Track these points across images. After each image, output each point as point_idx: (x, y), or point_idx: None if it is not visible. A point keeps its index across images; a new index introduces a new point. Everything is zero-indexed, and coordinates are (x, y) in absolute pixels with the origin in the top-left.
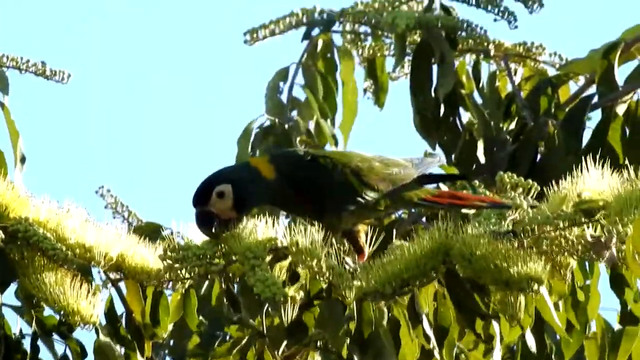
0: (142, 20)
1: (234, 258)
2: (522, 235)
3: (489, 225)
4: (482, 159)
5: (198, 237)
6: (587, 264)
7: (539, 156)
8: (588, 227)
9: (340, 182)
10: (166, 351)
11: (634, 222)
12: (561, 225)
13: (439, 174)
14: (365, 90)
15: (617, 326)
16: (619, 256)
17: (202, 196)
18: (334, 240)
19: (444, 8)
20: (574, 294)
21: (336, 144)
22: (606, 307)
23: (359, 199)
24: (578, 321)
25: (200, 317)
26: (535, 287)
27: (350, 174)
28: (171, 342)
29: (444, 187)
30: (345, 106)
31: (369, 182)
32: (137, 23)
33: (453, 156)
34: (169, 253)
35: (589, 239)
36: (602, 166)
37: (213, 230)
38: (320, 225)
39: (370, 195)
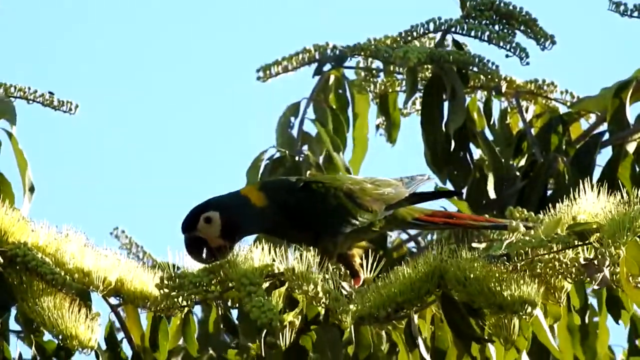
0: (155, 54)
1: (230, 285)
2: (516, 258)
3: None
4: (492, 195)
5: (195, 266)
6: (596, 300)
7: (548, 192)
8: (582, 250)
9: (333, 206)
10: None
11: (626, 244)
12: (555, 248)
13: (430, 192)
14: (377, 127)
15: None
16: (612, 279)
17: (190, 222)
18: (329, 265)
19: (456, 43)
20: (583, 330)
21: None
22: (613, 343)
23: (354, 221)
24: (586, 357)
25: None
26: (529, 310)
27: (344, 197)
28: None
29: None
30: (357, 140)
31: (363, 204)
32: (150, 57)
33: (464, 191)
34: (165, 281)
35: (582, 261)
36: (599, 190)
37: (203, 256)
38: (316, 251)
39: (365, 217)
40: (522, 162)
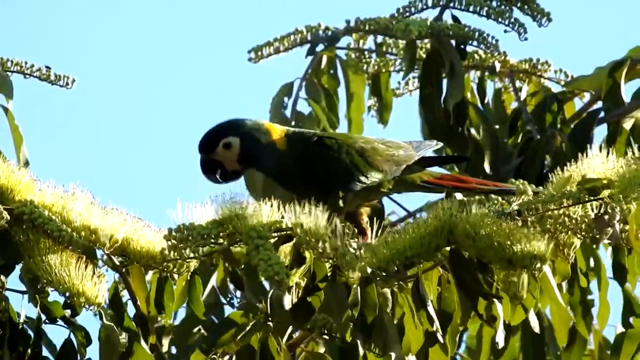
0: (148, 36)
1: (238, 238)
2: (526, 213)
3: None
4: (488, 171)
5: (202, 219)
6: (596, 278)
7: (544, 170)
8: (591, 207)
9: (345, 163)
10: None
11: (637, 200)
12: (565, 203)
13: (439, 156)
14: (369, 108)
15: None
16: (621, 235)
17: (208, 145)
18: (338, 222)
19: (454, 19)
20: (583, 304)
21: None
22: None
23: (364, 179)
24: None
25: None
26: (538, 264)
27: (356, 154)
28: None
29: None
30: (353, 121)
31: (374, 163)
32: (144, 37)
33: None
34: (173, 233)
35: (592, 217)
36: (608, 152)
37: (217, 177)
38: (324, 207)
39: (375, 176)
40: (517, 140)
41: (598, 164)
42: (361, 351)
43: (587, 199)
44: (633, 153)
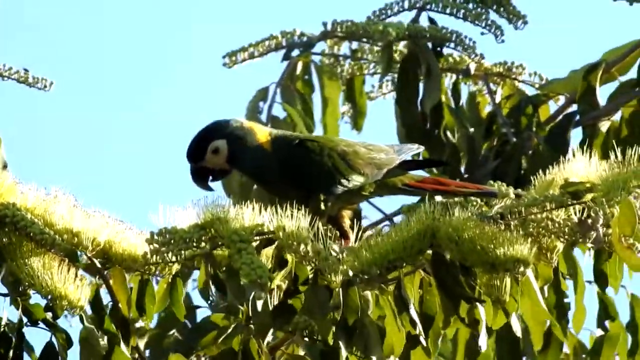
0: (125, 39)
1: (220, 242)
2: (509, 217)
3: (476, 208)
4: (465, 174)
5: (184, 222)
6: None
7: (521, 172)
8: (574, 210)
9: (327, 165)
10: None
11: (620, 203)
12: (548, 206)
13: (419, 160)
14: (343, 114)
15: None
16: (604, 239)
17: (197, 153)
18: (320, 225)
19: (431, 21)
20: (559, 307)
21: None
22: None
23: (346, 182)
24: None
25: None
26: (522, 268)
27: (338, 157)
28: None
29: None
30: (328, 126)
31: (355, 166)
32: (120, 42)
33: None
34: (155, 237)
35: (576, 220)
36: (590, 156)
37: (208, 184)
38: (306, 210)
39: (357, 179)
40: (493, 143)
41: (580, 167)
42: (343, 354)
43: (570, 203)
44: (616, 156)
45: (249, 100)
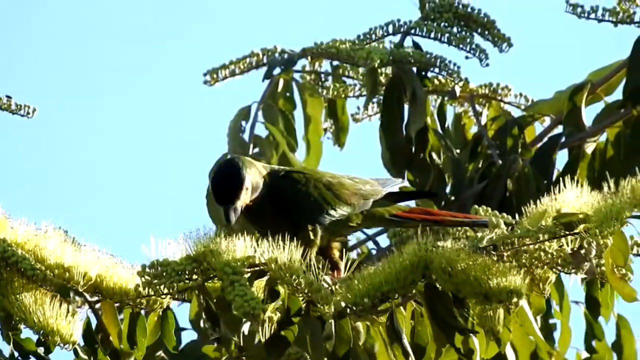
0: (106, 58)
1: (212, 274)
2: (502, 248)
3: (469, 240)
4: (451, 196)
5: (176, 255)
6: (557, 304)
7: (507, 194)
8: (567, 242)
9: (314, 196)
10: None
11: (613, 234)
12: (541, 238)
13: (407, 192)
14: (325, 130)
15: None
16: (597, 270)
17: (234, 196)
18: (312, 257)
19: (416, 45)
20: (545, 327)
21: None
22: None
23: (333, 212)
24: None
25: None
26: (515, 299)
27: (324, 188)
28: None
29: None
30: (312, 143)
31: (342, 197)
32: (100, 61)
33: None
34: (147, 269)
35: (569, 251)
36: (581, 186)
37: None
38: (298, 242)
39: (344, 209)
40: (479, 165)
41: (572, 197)
42: None
43: (563, 234)
44: (609, 187)
45: (230, 120)
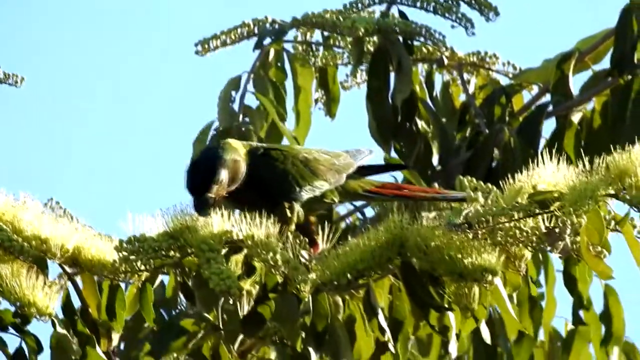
0: (97, 29)
1: (189, 251)
2: (477, 226)
3: (449, 218)
4: (437, 166)
5: (153, 230)
6: (542, 270)
7: (494, 163)
8: (542, 219)
9: (292, 173)
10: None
11: (588, 213)
12: (516, 216)
13: (378, 165)
14: (316, 101)
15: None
16: (572, 247)
17: (204, 186)
18: (289, 233)
19: (402, 14)
20: (531, 300)
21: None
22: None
23: (310, 188)
24: (533, 326)
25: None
26: (490, 278)
27: (301, 164)
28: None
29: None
30: (301, 114)
31: (318, 172)
32: (91, 31)
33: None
34: (124, 245)
35: (544, 230)
36: (558, 160)
37: (211, 213)
38: (274, 219)
39: (321, 185)
40: (466, 134)
41: (549, 173)
42: (313, 359)
43: (538, 212)
44: (584, 164)
45: (220, 90)
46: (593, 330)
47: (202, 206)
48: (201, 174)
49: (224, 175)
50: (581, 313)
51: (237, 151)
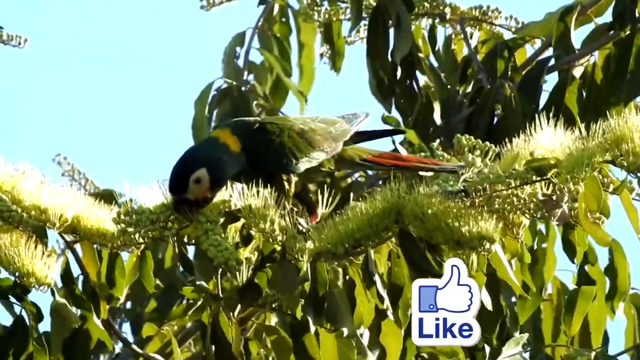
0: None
1: (187, 222)
2: (474, 194)
3: (442, 185)
4: (438, 122)
5: (152, 201)
6: (543, 226)
7: (495, 119)
8: (540, 186)
9: (288, 146)
10: (123, 315)
11: (585, 179)
12: (513, 184)
13: (374, 131)
14: (322, 55)
15: (572, 287)
16: (570, 214)
17: (179, 184)
18: (286, 202)
19: None
20: (532, 257)
21: (306, 101)
22: (562, 268)
23: (307, 159)
24: (534, 284)
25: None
26: (487, 245)
27: (297, 136)
28: (128, 305)
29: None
30: (304, 69)
31: (314, 143)
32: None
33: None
34: (122, 217)
35: (541, 197)
36: (556, 124)
37: (192, 215)
38: (272, 189)
39: (317, 156)
40: (468, 89)
41: (547, 138)
42: (312, 327)
43: (534, 180)
44: (580, 131)
45: (225, 46)
46: (599, 287)
47: (179, 206)
48: (180, 173)
49: (202, 174)
50: (586, 268)
51: (226, 147)
